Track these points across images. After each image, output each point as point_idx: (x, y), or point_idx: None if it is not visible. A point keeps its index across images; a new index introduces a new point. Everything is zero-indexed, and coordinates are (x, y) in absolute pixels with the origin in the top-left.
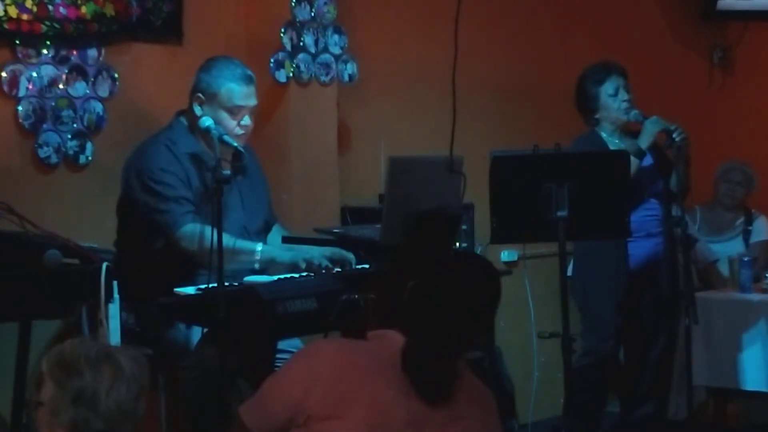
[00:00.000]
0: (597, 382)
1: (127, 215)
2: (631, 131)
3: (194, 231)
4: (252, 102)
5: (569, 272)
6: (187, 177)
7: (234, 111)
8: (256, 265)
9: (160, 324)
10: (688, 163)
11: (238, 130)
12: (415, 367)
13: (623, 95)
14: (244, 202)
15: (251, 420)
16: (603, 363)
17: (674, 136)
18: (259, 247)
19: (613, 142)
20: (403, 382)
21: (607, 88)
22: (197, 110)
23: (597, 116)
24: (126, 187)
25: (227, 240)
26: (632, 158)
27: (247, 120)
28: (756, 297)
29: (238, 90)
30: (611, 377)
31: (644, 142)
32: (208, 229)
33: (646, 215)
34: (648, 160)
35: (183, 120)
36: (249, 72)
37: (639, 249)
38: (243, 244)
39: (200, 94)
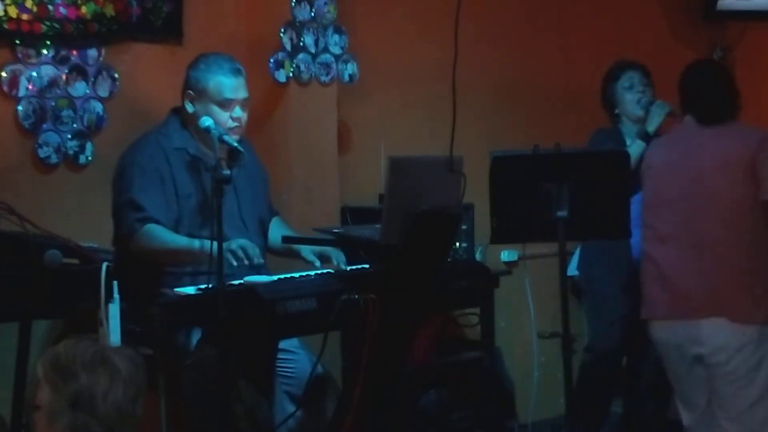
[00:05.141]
0: (603, 376)
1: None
2: None
3: (147, 234)
4: (242, 94)
5: (569, 272)
6: (171, 174)
7: (224, 104)
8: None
9: (162, 324)
10: None
11: (231, 123)
12: None
13: (638, 88)
14: (239, 196)
15: None
16: (609, 355)
17: None
18: (197, 243)
19: (631, 139)
20: None
21: (623, 82)
22: (189, 107)
23: (617, 111)
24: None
25: (173, 240)
26: (638, 142)
27: (239, 112)
28: None
29: (226, 82)
30: (618, 373)
31: (651, 125)
32: (157, 233)
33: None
34: None
35: (177, 117)
36: (237, 65)
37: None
38: (192, 243)
39: (190, 91)
